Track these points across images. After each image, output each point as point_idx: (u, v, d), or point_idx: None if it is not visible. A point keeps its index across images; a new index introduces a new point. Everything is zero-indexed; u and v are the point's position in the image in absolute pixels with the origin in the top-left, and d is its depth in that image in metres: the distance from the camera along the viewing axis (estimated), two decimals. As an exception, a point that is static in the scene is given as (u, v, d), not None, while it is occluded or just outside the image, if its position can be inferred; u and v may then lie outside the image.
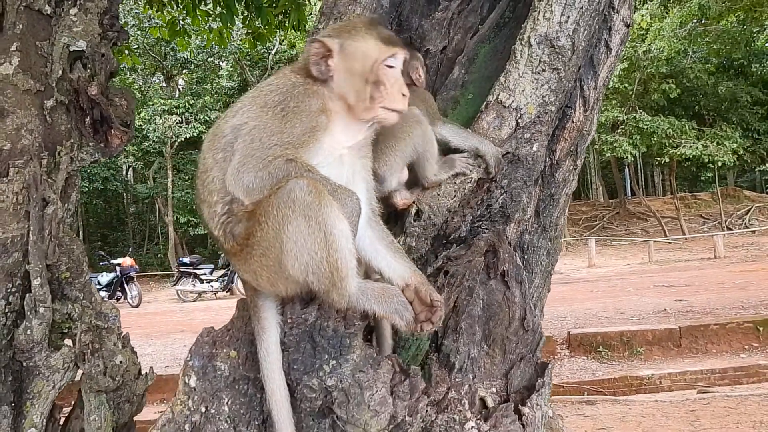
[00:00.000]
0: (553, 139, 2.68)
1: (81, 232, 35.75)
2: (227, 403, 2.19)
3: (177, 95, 37.29)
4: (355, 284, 2.09)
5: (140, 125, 32.28)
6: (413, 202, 2.47)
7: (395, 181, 2.49)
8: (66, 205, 3.73)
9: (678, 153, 29.51)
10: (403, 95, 2.18)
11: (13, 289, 3.36)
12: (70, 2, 3.91)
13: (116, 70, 3.99)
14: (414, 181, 2.53)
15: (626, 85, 29.27)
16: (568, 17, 2.42)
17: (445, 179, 2.51)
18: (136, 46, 31.65)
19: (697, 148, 28.98)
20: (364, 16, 2.30)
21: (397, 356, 2.24)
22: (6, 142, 3.51)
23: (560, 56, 2.45)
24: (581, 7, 2.43)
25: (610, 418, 7.13)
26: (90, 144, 3.85)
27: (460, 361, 2.27)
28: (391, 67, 2.17)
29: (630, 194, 43.20)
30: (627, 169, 42.02)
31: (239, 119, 2.16)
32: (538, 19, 2.44)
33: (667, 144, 29.60)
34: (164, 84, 38.55)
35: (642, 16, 25.88)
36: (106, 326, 3.54)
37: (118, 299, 23.27)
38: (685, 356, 10.92)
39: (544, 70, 2.45)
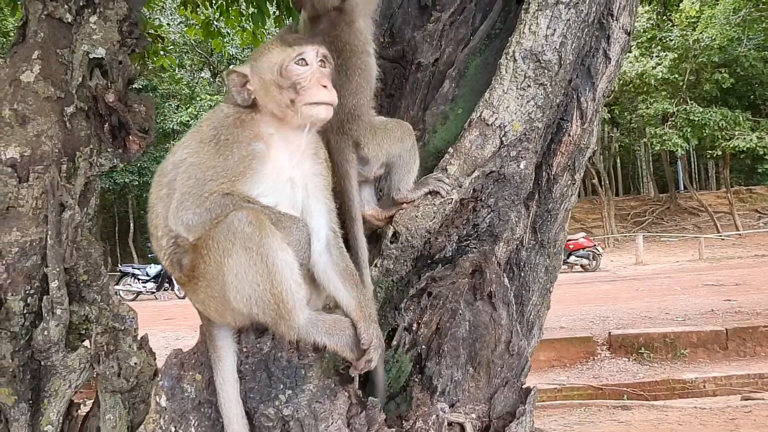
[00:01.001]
0: (549, 153, 2.59)
1: (132, 224, 36.87)
2: (194, 425, 2.19)
3: (224, 90, 37.88)
4: (305, 316, 2.07)
5: (188, 121, 32.96)
6: (389, 223, 2.42)
7: (375, 167, 2.47)
8: (85, 209, 3.82)
9: (731, 145, 28.50)
10: (324, 86, 2.14)
11: (32, 291, 3.47)
12: (90, 10, 3.99)
13: (134, 77, 4.05)
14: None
15: (676, 75, 28.32)
16: (555, 30, 2.32)
17: (417, 198, 2.46)
18: (184, 42, 32.31)
19: (751, 140, 27.92)
20: (279, 33, 2.28)
21: (355, 387, 2.20)
22: (27, 148, 3.62)
23: (546, 71, 2.35)
24: (568, 19, 2.33)
25: (644, 425, 6.93)
26: (109, 150, 3.93)
27: (442, 384, 2.23)
28: (302, 65, 2.15)
29: (682, 188, 41.91)
30: (679, 163, 40.78)
31: (179, 155, 2.19)
32: (523, 32, 2.35)
33: (719, 136, 28.62)
34: (212, 80, 39.24)
35: (692, 3, 25.01)
36: (122, 328, 3.62)
37: (165, 290, 23.86)
38: (732, 359, 10.55)
39: (529, 86, 2.36)
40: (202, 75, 39.34)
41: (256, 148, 2.13)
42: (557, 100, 2.46)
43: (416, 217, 2.36)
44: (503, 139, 2.35)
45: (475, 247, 2.36)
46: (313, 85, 2.13)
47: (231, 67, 2.20)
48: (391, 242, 2.40)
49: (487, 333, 2.26)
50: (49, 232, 3.48)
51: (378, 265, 2.41)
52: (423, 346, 2.19)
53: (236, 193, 2.06)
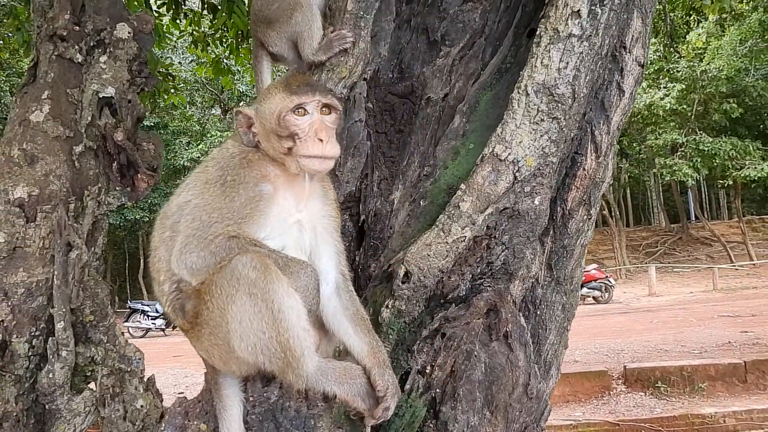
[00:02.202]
0: (563, 188, 2.52)
1: (142, 260, 36.92)
2: (201, 476, 2.11)
3: (232, 127, 38.32)
4: (314, 364, 1.99)
5: (198, 157, 33.23)
6: (402, 263, 2.35)
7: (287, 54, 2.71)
8: (92, 249, 3.79)
9: (742, 175, 28.30)
10: (320, 140, 2.07)
11: (37, 333, 3.41)
12: (100, 50, 4.03)
13: (143, 116, 4.06)
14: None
15: (684, 106, 28.35)
16: (567, 63, 2.27)
17: (326, 59, 2.55)
18: (195, 80, 32.78)
19: (762, 169, 27.71)
20: (283, 76, 2.26)
21: None
22: (35, 188, 3.60)
23: (560, 105, 2.30)
24: (581, 52, 2.28)
25: (664, 461, 6.72)
26: (117, 188, 3.91)
27: (458, 429, 2.13)
28: (301, 115, 2.09)
29: (693, 218, 41.60)
30: (689, 193, 40.56)
31: (184, 197, 2.15)
32: (535, 66, 2.30)
33: (730, 166, 28.46)
34: (222, 116, 39.68)
35: (698, 35, 25.14)
36: (129, 369, 3.55)
37: (174, 327, 23.72)
38: (752, 393, 10.28)
39: (542, 120, 2.30)
40: (212, 112, 39.82)
41: (264, 189, 2.08)
42: (572, 134, 2.40)
43: (428, 256, 2.29)
44: (517, 174, 2.29)
45: (489, 286, 2.28)
46: (309, 138, 2.07)
47: (239, 106, 2.16)
48: (403, 282, 2.32)
49: (504, 375, 2.17)
50: (56, 273, 3.44)
51: (390, 306, 2.33)
52: (437, 390, 2.10)
53: (242, 236, 2.00)
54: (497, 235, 2.34)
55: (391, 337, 2.33)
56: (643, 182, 42.13)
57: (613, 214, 35.79)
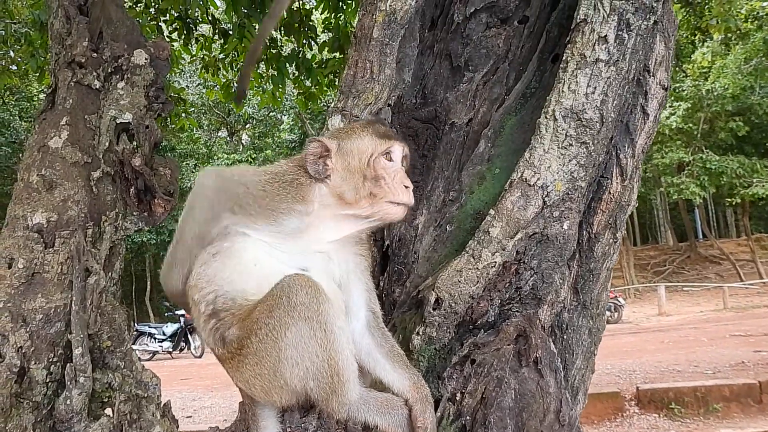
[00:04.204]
0: (589, 211, 2.50)
1: (149, 282, 36.94)
2: None
3: (240, 150, 38.55)
4: (357, 392, 1.97)
5: (205, 180, 33.38)
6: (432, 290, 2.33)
7: None
8: (110, 274, 3.78)
9: (750, 193, 28.23)
10: (406, 187, 2.13)
11: (55, 359, 3.39)
12: (118, 77, 4.06)
13: (160, 141, 4.08)
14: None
15: (690, 125, 28.39)
16: (595, 88, 2.26)
17: None
18: (202, 103, 33.07)
19: (770, 187, 27.67)
20: (364, 119, 2.27)
21: None
22: (53, 214, 3.61)
23: (588, 129, 2.29)
24: (608, 77, 2.27)
25: (683, 486, 6.61)
26: (134, 213, 3.92)
27: (489, 458, 2.08)
28: (389, 160, 2.13)
29: (701, 237, 41.42)
30: (696, 211, 40.44)
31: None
32: (562, 90, 2.29)
33: (737, 184, 28.40)
34: (228, 139, 39.98)
35: (703, 54, 25.26)
36: (145, 395, 3.53)
37: (181, 350, 23.66)
38: (768, 414, 10.15)
39: (571, 145, 2.29)
40: (219, 134, 40.13)
41: (300, 208, 2.09)
42: (600, 159, 2.39)
43: (459, 282, 2.27)
44: (546, 199, 2.28)
45: (518, 311, 2.26)
46: (397, 184, 2.12)
47: (315, 136, 2.17)
48: (434, 309, 2.30)
49: (535, 402, 2.14)
50: (74, 298, 3.43)
51: (420, 333, 2.31)
52: (468, 417, 2.06)
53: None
54: (526, 260, 2.32)
55: (422, 364, 2.30)
56: (649, 200, 42.08)
57: (620, 233, 35.62)
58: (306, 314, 1.86)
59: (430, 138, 2.76)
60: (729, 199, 31.28)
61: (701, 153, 28.82)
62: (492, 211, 2.32)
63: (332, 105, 2.66)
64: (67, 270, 3.52)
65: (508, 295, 2.32)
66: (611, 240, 2.54)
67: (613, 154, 2.47)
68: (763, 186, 27.85)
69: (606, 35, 2.24)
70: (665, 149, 29.17)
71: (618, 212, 2.53)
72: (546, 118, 2.29)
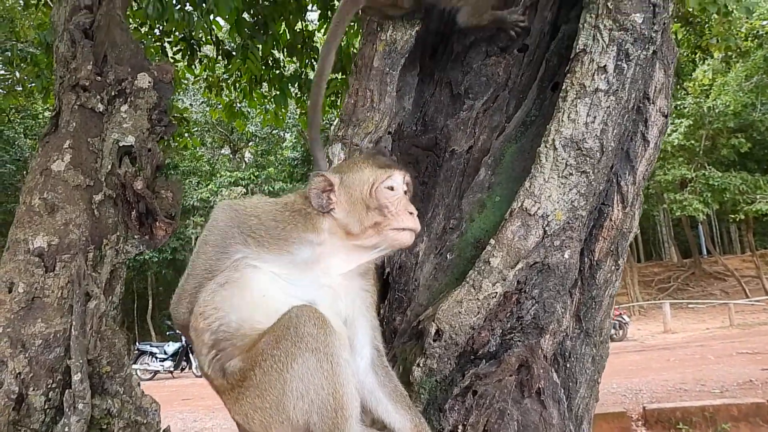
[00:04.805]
0: (591, 239, 2.49)
1: (151, 301, 36.88)
2: None
3: (243, 167, 38.65)
4: (358, 430, 1.93)
5: (208, 197, 33.51)
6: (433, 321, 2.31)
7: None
8: (110, 298, 3.77)
9: (754, 209, 28.14)
10: (411, 213, 2.14)
11: (54, 385, 3.38)
12: (121, 100, 4.08)
13: (163, 164, 4.08)
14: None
15: (692, 141, 28.41)
16: (595, 117, 2.26)
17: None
18: (205, 121, 33.22)
19: (774, 203, 27.57)
20: (364, 152, 2.28)
21: None
22: (54, 237, 3.61)
23: (588, 158, 2.29)
24: (608, 106, 2.27)
25: None
26: (135, 236, 3.91)
27: (493, 491, 2.06)
28: (390, 188, 2.14)
29: (705, 253, 41.26)
30: (700, 227, 40.34)
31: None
32: (562, 120, 2.30)
33: (741, 200, 28.31)
34: (231, 156, 40.10)
35: (704, 72, 25.33)
36: (145, 422, 3.51)
37: (183, 369, 23.53)
38: (778, 434, 10.01)
39: (571, 174, 2.29)
40: (222, 152, 40.26)
41: (310, 238, 2.10)
42: (600, 187, 2.38)
43: (460, 313, 2.25)
44: (546, 228, 2.27)
45: (520, 341, 2.24)
46: (401, 211, 2.12)
47: (319, 171, 2.21)
48: (435, 340, 2.28)
49: (538, 433, 2.12)
50: (74, 323, 3.42)
51: (421, 365, 2.29)
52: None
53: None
54: (527, 290, 2.30)
55: (422, 396, 2.28)
56: (652, 217, 41.97)
57: (624, 249, 35.53)
58: (313, 345, 1.84)
59: (431, 165, 2.76)
60: (732, 216, 31.16)
61: (704, 170, 28.79)
62: (492, 241, 2.31)
63: (332, 133, 2.66)
64: (67, 294, 3.51)
65: (509, 325, 2.30)
66: (613, 267, 2.52)
67: (614, 181, 2.47)
68: (767, 202, 27.78)
69: (605, 65, 2.24)
70: (668, 166, 29.15)
71: (620, 239, 2.52)
72: (546, 147, 2.29)
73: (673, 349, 19.55)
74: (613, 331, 24.11)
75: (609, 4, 2.24)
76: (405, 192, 2.19)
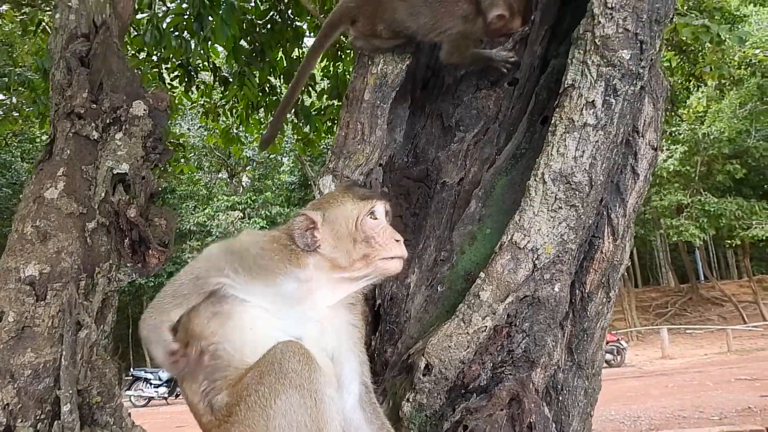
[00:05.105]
0: (582, 271, 2.49)
1: (146, 327, 36.55)
2: None
3: (240, 191, 38.68)
4: None
5: (205, 221, 33.49)
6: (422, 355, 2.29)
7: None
8: (101, 327, 3.74)
9: (750, 235, 28.20)
10: (397, 240, 2.14)
11: (42, 416, 3.33)
12: (116, 127, 4.09)
13: (156, 191, 4.08)
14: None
15: (688, 167, 28.57)
16: (584, 152, 2.28)
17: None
18: (203, 145, 33.32)
19: (770, 229, 27.64)
20: (342, 185, 2.28)
21: None
22: (46, 266, 3.59)
23: (577, 192, 2.30)
24: (597, 141, 2.29)
25: None
26: (128, 264, 3.90)
27: None
28: (374, 219, 2.15)
29: (702, 278, 41.21)
30: (697, 252, 40.34)
31: None
32: (551, 154, 2.31)
33: (737, 225, 28.39)
34: (229, 180, 40.14)
35: (698, 99, 25.57)
36: (135, 453, 3.46)
37: (177, 395, 23.28)
38: (777, 462, 9.90)
39: (560, 208, 2.29)
40: (219, 176, 40.30)
41: (297, 273, 2.08)
42: (590, 221, 2.39)
43: (449, 347, 2.24)
44: (536, 262, 2.27)
45: (510, 374, 2.22)
46: (388, 240, 2.13)
47: (303, 211, 2.18)
48: (424, 375, 2.26)
49: (529, 470, 2.09)
50: (64, 353, 3.39)
51: (411, 400, 2.27)
52: None
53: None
54: (518, 323, 2.29)
55: (412, 431, 2.26)
56: (649, 242, 41.99)
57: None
58: (297, 382, 1.82)
59: (422, 197, 2.76)
60: (729, 241, 31.22)
61: (700, 195, 28.91)
62: (482, 274, 2.30)
63: (323, 166, 2.67)
64: (58, 323, 3.47)
65: (500, 359, 2.28)
66: (605, 299, 2.52)
67: (605, 214, 2.48)
68: (763, 228, 27.84)
69: (593, 100, 2.26)
70: (664, 191, 29.27)
71: (611, 271, 2.52)
72: (535, 180, 2.30)
73: (671, 375, 19.43)
74: (610, 357, 24.00)
75: (597, 40, 2.26)
76: (387, 220, 2.20)
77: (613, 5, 2.26)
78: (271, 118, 8.71)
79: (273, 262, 2.08)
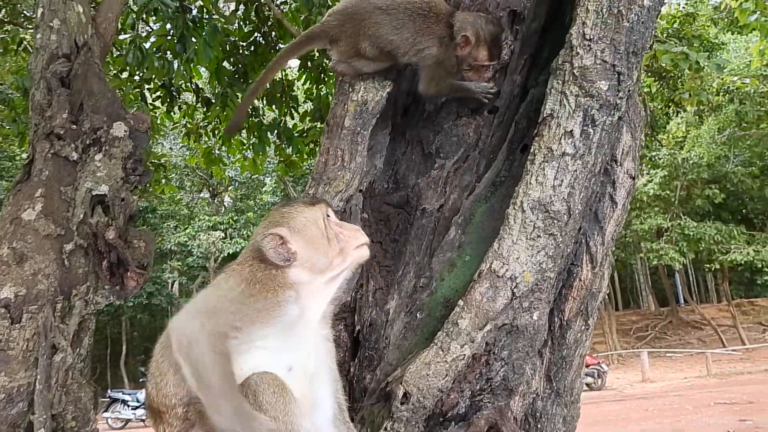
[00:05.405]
0: (560, 299, 2.50)
1: (125, 346, 36.06)
2: None
3: (222, 211, 38.47)
4: None
5: (186, 241, 33.23)
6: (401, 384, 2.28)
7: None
8: (77, 350, 3.69)
9: (729, 259, 28.54)
10: (356, 229, 2.21)
11: (15, 442, 3.26)
12: (96, 148, 4.06)
13: (136, 213, 4.05)
14: None
15: (668, 192, 28.96)
16: (562, 181, 2.30)
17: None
18: (185, 165, 33.17)
19: (748, 253, 27.98)
20: (276, 207, 2.28)
21: None
22: (22, 288, 3.54)
23: (556, 221, 2.31)
24: (575, 170, 2.32)
25: None
26: (106, 287, 3.85)
27: None
28: (329, 216, 2.21)
29: (682, 302, 41.55)
30: (677, 276, 40.72)
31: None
32: (530, 182, 2.33)
33: (716, 250, 28.72)
34: (210, 200, 39.91)
35: (677, 125, 26.00)
36: (109, 479, 3.40)
37: (156, 418, 22.86)
38: (756, 487, 9.94)
39: (539, 236, 2.31)
40: (201, 195, 40.06)
41: (289, 295, 2.04)
42: (568, 249, 2.41)
43: (428, 375, 2.23)
44: (515, 290, 2.28)
45: (489, 403, 2.22)
46: (352, 230, 2.20)
47: (267, 232, 2.13)
48: (402, 403, 2.24)
49: (508, 500, 2.07)
50: (38, 377, 3.33)
51: (388, 429, 2.24)
52: None
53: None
54: (496, 351, 2.29)
55: (389, 461, 2.24)
56: (630, 265, 42.34)
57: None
58: (272, 414, 1.79)
59: (402, 223, 2.77)
60: (708, 265, 31.55)
61: (679, 219, 29.25)
62: (461, 302, 2.30)
63: (306, 187, 2.68)
64: (32, 347, 3.42)
65: (478, 387, 2.28)
66: (583, 327, 2.53)
67: (583, 242, 2.50)
68: (741, 252, 28.20)
69: (572, 130, 2.29)
70: (644, 215, 29.60)
71: (589, 299, 2.53)
72: (514, 209, 2.32)
73: (651, 398, 19.47)
74: (591, 380, 24.01)
75: (575, 71, 2.30)
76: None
77: (591, 37, 2.30)
78: (254, 140, 8.73)
79: (268, 300, 2.01)
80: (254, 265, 2.10)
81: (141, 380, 25.04)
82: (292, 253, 2.09)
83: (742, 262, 28.61)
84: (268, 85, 8.35)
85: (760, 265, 28.59)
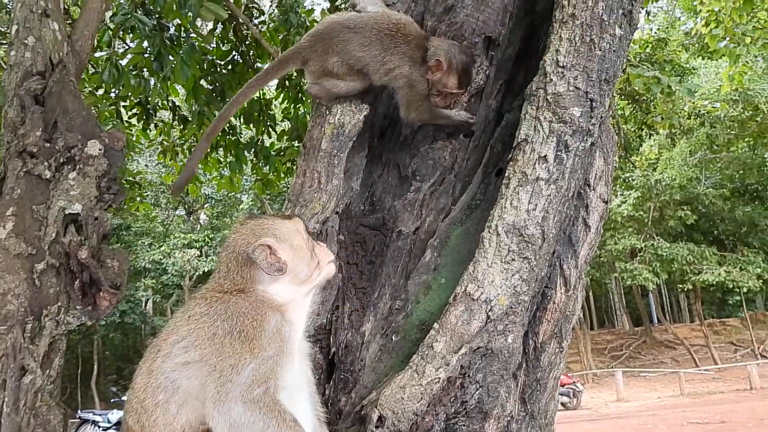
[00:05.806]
0: (535, 321, 2.53)
1: (96, 366, 35.35)
2: None
3: (198, 229, 38.11)
4: None
5: (160, 259, 32.82)
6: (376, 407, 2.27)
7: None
8: (47, 372, 3.61)
9: (701, 279, 28.99)
10: (324, 245, 2.27)
11: (-21, 468, 3.18)
12: (70, 167, 4.01)
13: (109, 233, 4.00)
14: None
15: (641, 213, 29.41)
16: (536, 205, 2.33)
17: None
18: (160, 182, 32.88)
19: (719, 274, 28.45)
20: (247, 219, 2.26)
21: None
22: (-10, 309, 3.47)
23: (530, 245, 2.34)
24: (549, 195, 2.35)
25: None
26: (77, 307, 3.79)
27: None
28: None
29: (656, 321, 42.01)
30: (650, 296, 41.21)
31: (184, 358, 1.94)
32: (505, 206, 2.36)
33: (688, 270, 29.16)
34: (186, 218, 39.53)
35: (650, 147, 26.48)
36: (77, 505, 3.32)
37: (126, 440, 22.36)
38: None
39: (513, 260, 2.33)
40: (177, 213, 39.67)
41: (278, 320, 2.00)
42: (542, 273, 2.44)
43: (402, 399, 2.22)
44: (489, 313, 2.29)
45: (464, 426, 2.22)
46: (320, 246, 2.23)
47: (256, 243, 2.09)
48: (377, 427, 2.23)
49: None
50: (6, 399, 3.26)
51: (364, 451, 2.24)
52: None
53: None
54: (471, 374, 2.30)
55: (363, 487, 2.22)
56: (605, 285, 42.75)
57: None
58: None
59: (378, 245, 2.78)
60: (681, 285, 31.99)
61: (652, 240, 29.68)
62: (436, 325, 2.31)
63: (283, 205, 2.69)
64: (1, 368, 3.35)
65: (453, 410, 2.28)
66: (557, 349, 2.55)
67: (557, 265, 2.53)
68: (713, 273, 28.65)
69: (546, 155, 2.33)
70: (618, 236, 29.99)
71: (563, 322, 2.56)
72: (489, 232, 2.34)
73: (626, 417, 19.59)
74: (567, 400, 24.08)
75: (549, 97, 2.34)
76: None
77: (565, 64, 2.35)
78: (231, 159, 8.70)
79: (263, 330, 1.96)
80: (234, 296, 2.03)
81: (112, 400, 24.50)
82: (283, 262, 2.07)
83: (714, 283, 29.07)
84: (245, 104, 8.36)
85: (731, 286, 29.08)
